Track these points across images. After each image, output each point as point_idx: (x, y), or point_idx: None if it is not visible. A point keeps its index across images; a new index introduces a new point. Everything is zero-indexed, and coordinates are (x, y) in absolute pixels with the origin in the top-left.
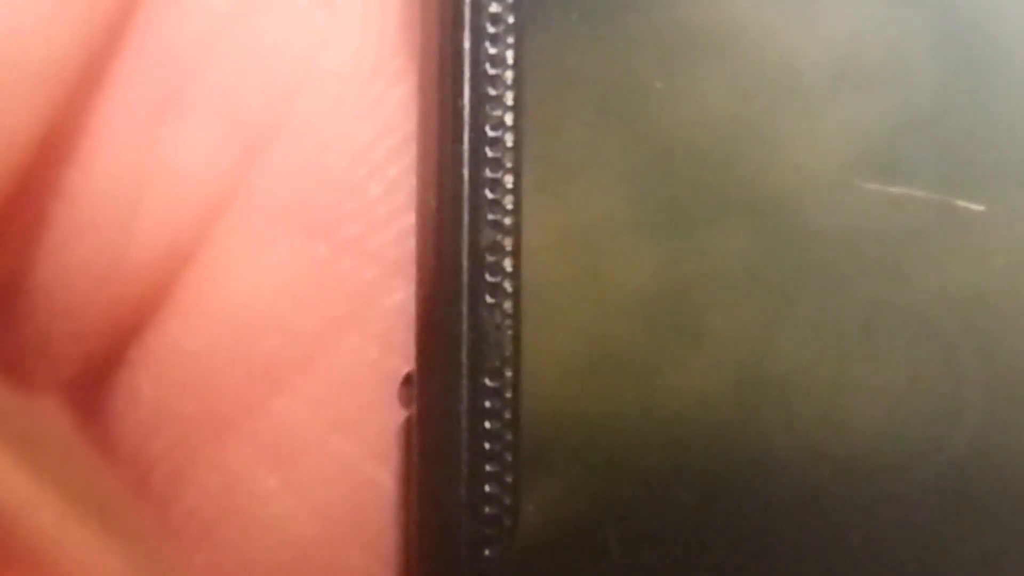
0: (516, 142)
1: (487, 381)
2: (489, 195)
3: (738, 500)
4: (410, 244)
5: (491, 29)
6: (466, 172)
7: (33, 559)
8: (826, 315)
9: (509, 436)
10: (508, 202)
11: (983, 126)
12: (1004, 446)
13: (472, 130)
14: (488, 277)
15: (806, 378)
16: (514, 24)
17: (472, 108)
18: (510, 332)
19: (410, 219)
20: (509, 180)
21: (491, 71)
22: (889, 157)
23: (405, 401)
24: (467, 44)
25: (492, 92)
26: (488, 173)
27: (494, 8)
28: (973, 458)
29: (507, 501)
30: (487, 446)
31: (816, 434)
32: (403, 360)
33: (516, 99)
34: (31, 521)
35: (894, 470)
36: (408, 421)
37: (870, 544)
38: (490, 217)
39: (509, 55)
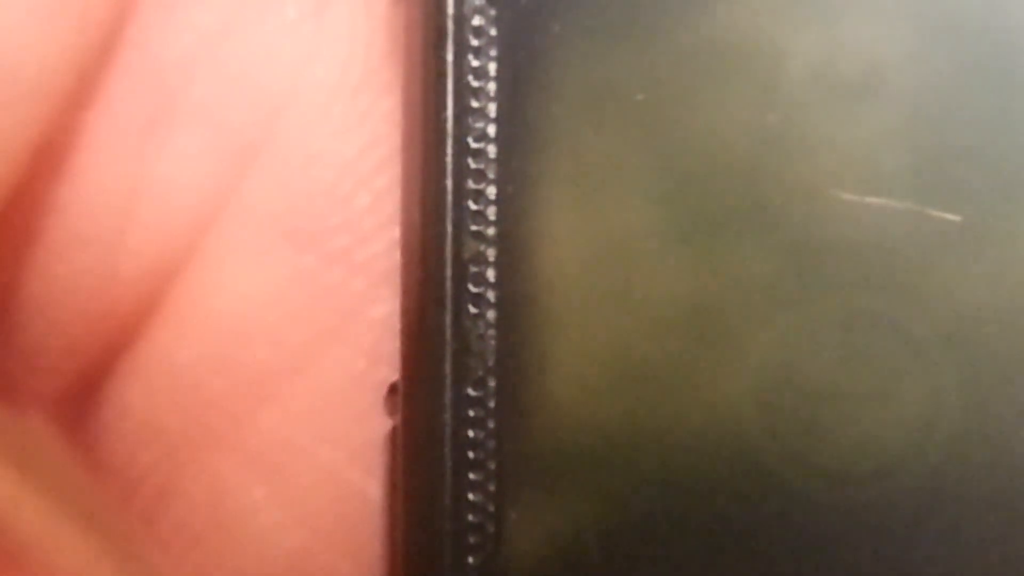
0: (499, 154)
1: (471, 391)
2: (472, 206)
3: (722, 505)
4: (397, 255)
5: (474, 42)
6: (449, 183)
7: (27, 565)
8: (805, 326)
9: (492, 445)
10: (491, 213)
11: (960, 138)
12: (979, 453)
13: (455, 142)
14: (471, 288)
15: (786, 388)
16: (497, 37)
17: (455, 120)
18: (493, 342)
19: (397, 230)
20: (492, 191)
21: (474, 83)
22: (867, 169)
23: (390, 410)
24: (450, 57)
25: (475, 104)
26: (471, 184)
27: (477, 21)
28: (949, 465)
29: (490, 509)
30: (471, 455)
31: (798, 443)
32: (390, 370)
33: (499, 111)
34: (24, 527)
35: (872, 477)
36: (393, 430)
37: (854, 551)
38: (473, 228)
39: (492, 68)
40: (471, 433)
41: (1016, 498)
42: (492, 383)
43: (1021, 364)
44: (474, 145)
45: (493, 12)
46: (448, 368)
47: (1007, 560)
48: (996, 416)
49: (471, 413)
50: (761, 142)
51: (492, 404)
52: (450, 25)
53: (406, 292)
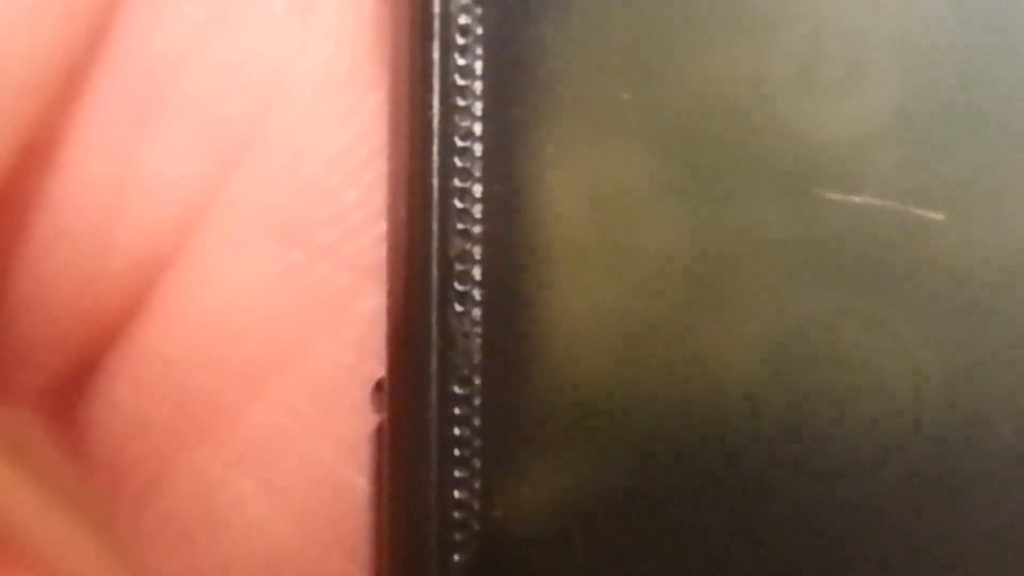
0: (485, 152)
1: (456, 388)
2: (458, 204)
3: (704, 504)
4: (384, 250)
5: (460, 40)
6: (435, 182)
7: (18, 555)
8: (787, 323)
9: (478, 442)
10: (477, 211)
11: (942, 137)
12: (965, 447)
13: (441, 140)
14: (457, 286)
15: (767, 385)
16: (483, 35)
17: (441, 119)
18: (479, 340)
19: (384, 225)
20: (478, 190)
21: (460, 82)
22: (851, 167)
23: (377, 407)
24: (436, 55)
25: (461, 102)
26: (457, 183)
27: (463, 20)
28: (936, 459)
29: (476, 506)
30: (456, 452)
31: (781, 438)
32: (378, 364)
33: (485, 110)
34: (15, 518)
35: (857, 474)
36: (379, 427)
37: (838, 547)
38: (459, 226)
39: (478, 66)
40: (457, 431)
41: (999, 489)
42: (478, 381)
43: (1003, 358)
44: (460, 143)
45: (479, 10)
46: (434, 366)
47: (999, 549)
48: (981, 410)
49: (457, 411)
50: (747, 142)
51: (478, 402)
52: (436, 23)
53: (392, 290)
